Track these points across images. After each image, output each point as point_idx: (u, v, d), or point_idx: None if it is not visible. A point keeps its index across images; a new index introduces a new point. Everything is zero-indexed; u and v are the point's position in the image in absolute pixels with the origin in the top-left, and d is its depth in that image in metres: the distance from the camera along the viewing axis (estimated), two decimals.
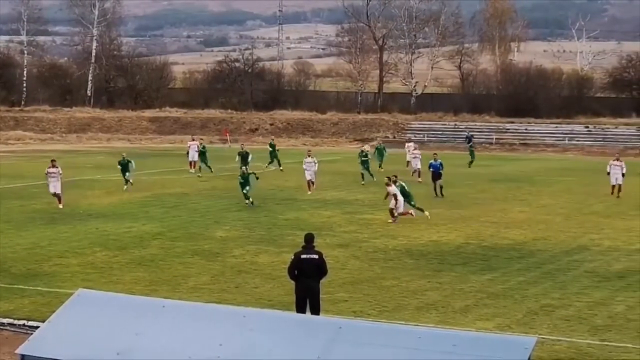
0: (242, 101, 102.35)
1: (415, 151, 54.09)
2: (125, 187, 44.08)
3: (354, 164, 52.12)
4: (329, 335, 10.90)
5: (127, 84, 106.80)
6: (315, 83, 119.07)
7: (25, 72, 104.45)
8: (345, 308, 20.92)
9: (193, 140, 59.57)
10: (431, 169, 43.91)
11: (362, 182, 48.28)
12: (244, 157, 51.72)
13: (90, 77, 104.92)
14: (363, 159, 49.95)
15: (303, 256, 18.77)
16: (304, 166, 45.39)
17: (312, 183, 44.65)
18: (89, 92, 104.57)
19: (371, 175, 49.15)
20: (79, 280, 23.75)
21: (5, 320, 20.20)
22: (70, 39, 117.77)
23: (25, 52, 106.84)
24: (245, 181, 39.25)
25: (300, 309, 18.47)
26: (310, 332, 11.10)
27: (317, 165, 45.26)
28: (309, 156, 45.50)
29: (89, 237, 30.81)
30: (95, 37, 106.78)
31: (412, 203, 35.68)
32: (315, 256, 18.86)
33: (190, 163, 55.87)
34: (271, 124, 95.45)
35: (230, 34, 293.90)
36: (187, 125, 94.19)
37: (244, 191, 39.07)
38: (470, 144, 69.76)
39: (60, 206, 37.77)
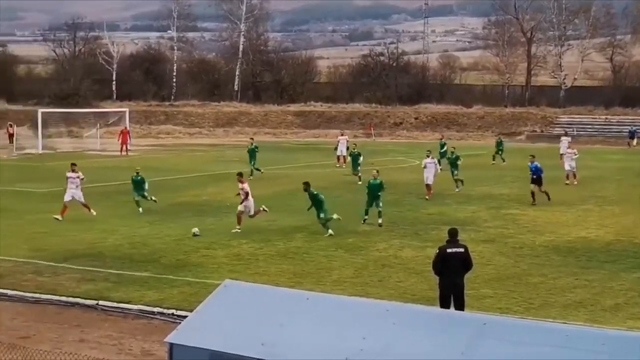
0: (386, 95, 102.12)
1: (569, 150, 48.62)
2: (140, 209, 35.91)
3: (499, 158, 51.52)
4: (473, 332, 10.73)
5: (273, 78, 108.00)
6: (461, 76, 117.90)
7: (175, 68, 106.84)
8: (490, 304, 20.64)
9: (342, 135, 59.88)
10: (532, 173, 39.16)
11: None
12: (354, 158, 48.55)
13: (237, 72, 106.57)
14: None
15: (448, 250, 18.62)
16: (423, 167, 41.44)
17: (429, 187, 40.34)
18: (236, 87, 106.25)
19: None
20: (225, 271, 24.17)
21: (155, 309, 20.72)
22: (218, 35, 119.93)
23: (175, 48, 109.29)
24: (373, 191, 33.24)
25: (445, 305, 18.32)
26: (454, 327, 10.96)
27: (438, 167, 42.03)
28: (428, 157, 41.92)
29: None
30: (242, 33, 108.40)
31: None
32: (461, 249, 18.70)
33: (338, 157, 56.09)
34: (416, 118, 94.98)
35: (376, 28, 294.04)
36: (332, 120, 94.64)
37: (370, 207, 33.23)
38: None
39: (94, 212, 34.10)
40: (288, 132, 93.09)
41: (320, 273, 24.48)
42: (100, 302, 21.45)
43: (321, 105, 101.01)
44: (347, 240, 29.22)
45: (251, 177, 46.17)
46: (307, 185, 31.09)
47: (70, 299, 21.82)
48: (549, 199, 38.12)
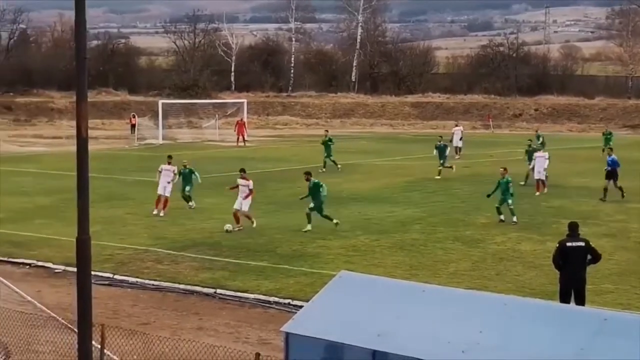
0: (505, 86, 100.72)
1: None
2: (191, 203, 34.50)
3: (624, 150, 50.22)
4: (593, 327, 10.48)
5: (390, 69, 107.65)
6: (583, 67, 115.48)
7: (292, 59, 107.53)
8: (610, 300, 20.20)
9: (457, 126, 59.36)
10: (608, 166, 37.15)
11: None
12: (441, 150, 45.88)
13: (354, 63, 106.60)
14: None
15: (569, 244, 18.27)
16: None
17: (543, 183, 38.91)
18: (353, 78, 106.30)
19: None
20: (341, 262, 24.22)
21: (271, 299, 20.92)
22: (336, 26, 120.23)
23: (293, 39, 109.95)
24: None
25: (564, 299, 17.99)
26: (573, 322, 10.72)
27: (547, 161, 39.51)
28: (537, 150, 40.99)
29: (351, 221, 31.32)
30: (360, 24, 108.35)
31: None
32: (582, 243, 18.32)
33: (455, 149, 55.57)
34: (535, 110, 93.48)
35: (495, 18, 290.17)
36: (450, 111, 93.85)
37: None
38: None
39: (161, 214, 32.97)
40: (405, 123, 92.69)
41: (436, 265, 24.33)
42: (218, 291, 21.77)
43: (439, 96, 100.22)
44: (464, 233, 28.95)
45: (324, 170, 45.87)
46: (308, 176, 30.57)
47: (189, 287, 22.21)
48: (622, 196, 36.20)
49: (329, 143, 48.70)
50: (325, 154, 48.20)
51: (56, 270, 24.27)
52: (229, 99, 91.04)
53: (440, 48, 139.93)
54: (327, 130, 53.17)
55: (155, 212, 33.02)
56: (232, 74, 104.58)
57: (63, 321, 14.96)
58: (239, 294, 21.42)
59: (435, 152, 45.74)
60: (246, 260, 24.98)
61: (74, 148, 13.12)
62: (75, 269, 13.74)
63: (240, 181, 30.83)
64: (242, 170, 31.27)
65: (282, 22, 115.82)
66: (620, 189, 36.38)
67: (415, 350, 10.60)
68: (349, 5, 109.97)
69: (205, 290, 21.92)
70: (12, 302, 15.44)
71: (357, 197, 37.13)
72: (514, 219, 30.76)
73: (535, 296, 19.32)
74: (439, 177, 43.29)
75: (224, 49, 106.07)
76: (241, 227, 29.77)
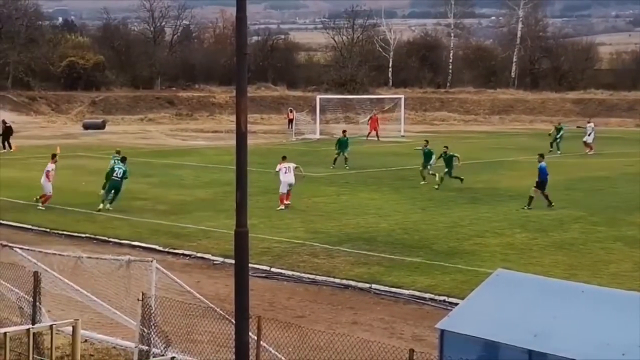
0: None
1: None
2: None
3: None
4: None
5: (551, 65, 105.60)
6: None
7: (451, 55, 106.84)
8: None
9: (589, 122, 58.58)
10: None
11: None
12: (427, 155, 41.38)
13: (514, 59, 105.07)
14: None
15: None
16: None
17: None
18: (512, 74, 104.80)
19: None
20: (498, 260, 23.92)
21: (426, 295, 20.84)
22: (495, 21, 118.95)
23: (452, 34, 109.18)
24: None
25: None
26: None
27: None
28: None
29: (508, 218, 30.94)
30: (520, 19, 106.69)
31: None
32: None
33: (584, 144, 56.06)
34: None
35: None
36: (613, 108, 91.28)
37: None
38: None
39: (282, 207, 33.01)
40: (566, 119, 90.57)
41: (596, 265, 23.74)
42: (374, 286, 21.82)
43: (602, 93, 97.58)
44: (626, 233, 28.15)
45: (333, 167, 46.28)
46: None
47: (344, 282, 22.33)
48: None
49: (344, 142, 47.83)
50: (340, 152, 47.39)
51: (215, 262, 24.81)
52: (386, 94, 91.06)
53: (603, 44, 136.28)
54: (344, 130, 50.97)
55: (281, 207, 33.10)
56: (390, 69, 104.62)
57: (221, 312, 15.26)
58: (393, 289, 21.42)
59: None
60: (401, 256, 24.96)
61: (233, 142, 13.37)
62: (233, 261, 14.00)
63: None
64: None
65: (441, 17, 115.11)
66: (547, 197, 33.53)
67: (573, 352, 10.37)
68: (509, 0, 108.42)
69: (360, 285, 22.00)
70: (173, 292, 15.83)
71: (515, 194, 36.54)
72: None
73: None
74: (424, 182, 40.18)
75: (381, 45, 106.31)
76: None
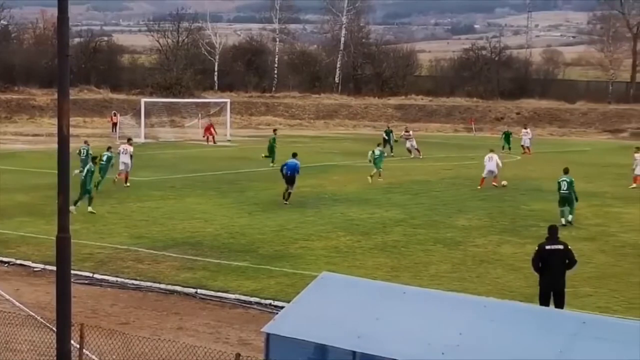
0: (488, 90, 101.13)
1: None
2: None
3: (604, 155, 50.50)
4: (572, 330, 10.54)
5: (374, 71, 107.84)
6: (564, 72, 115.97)
7: (276, 59, 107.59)
8: (589, 303, 20.27)
9: (525, 128, 64.57)
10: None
11: None
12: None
13: (338, 65, 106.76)
14: None
15: (547, 247, 18.36)
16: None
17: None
18: (336, 79, 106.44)
19: None
20: (322, 263, 24.21)
21: (252, 299, 20.88)
22: (320, 27, 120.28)
23: (277, 39, 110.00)
24: None
25: (544, 302, 18.06)
26: (552, 325, 10.77)
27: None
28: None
29: (333, 222, 31.35)
30: (344, 25, 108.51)
31: None
32: (561, 247, 18.41)
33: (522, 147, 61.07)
34: (517, 113, 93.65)
35: (478, 22, 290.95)
36: (432, 113, 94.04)
37: None
38: None
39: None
40: (388, 124, 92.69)
41: (417, 267, 24.36)
42: (199, 291, 21.71)
43: (422, 99, 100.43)
44: (445, 235, 29.00)
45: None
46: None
47: (170, 287, 22.13)
48: None
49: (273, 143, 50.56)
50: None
51: (35, 269, 24.13)
52: (212, 98, 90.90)
53: (423, 51, 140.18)
54: (275, 130, 54.00)
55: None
56: (216, 73, 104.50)
57: (42, 320, 14.91)
58: (219, 294, 21.37)
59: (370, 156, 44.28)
60: (228, 260, 24.92)
61: (55, 145, 13.08)
62: (54, 268, 13.68)
63: None
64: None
65: (266, 22, 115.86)
66: None
67: (395, 352, 10.62)
68: (333, 7, 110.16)
69: (186, 290, 21.85)
70: None
71: (339, 198, 37.14)
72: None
73: (515, 298, 19.39)
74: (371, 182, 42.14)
75: (207, 48, 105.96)
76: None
